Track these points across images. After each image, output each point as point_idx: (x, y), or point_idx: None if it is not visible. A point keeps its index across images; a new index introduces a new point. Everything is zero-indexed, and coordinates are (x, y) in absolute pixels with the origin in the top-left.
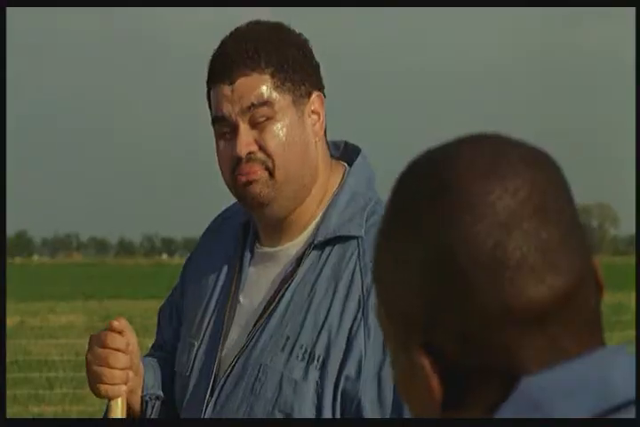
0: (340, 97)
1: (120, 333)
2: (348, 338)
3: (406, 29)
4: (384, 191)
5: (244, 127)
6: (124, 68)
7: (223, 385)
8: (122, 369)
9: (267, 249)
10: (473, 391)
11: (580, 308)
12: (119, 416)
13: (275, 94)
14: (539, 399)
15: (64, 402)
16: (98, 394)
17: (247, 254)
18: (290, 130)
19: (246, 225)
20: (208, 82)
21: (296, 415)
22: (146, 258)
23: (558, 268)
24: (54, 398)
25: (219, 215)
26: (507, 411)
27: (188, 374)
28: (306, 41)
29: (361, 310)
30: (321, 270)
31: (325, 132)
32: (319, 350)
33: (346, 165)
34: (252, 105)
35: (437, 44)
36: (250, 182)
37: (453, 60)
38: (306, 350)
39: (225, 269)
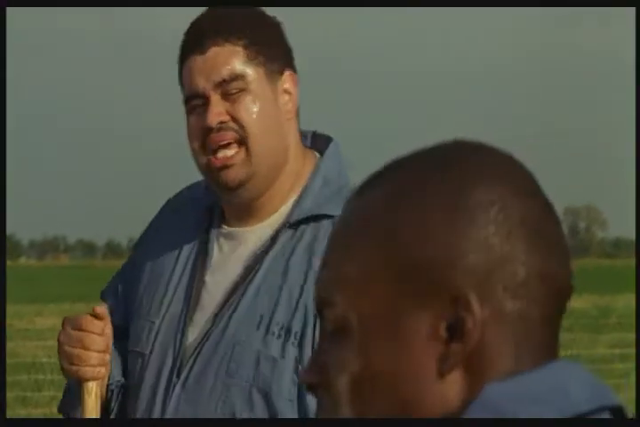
0: (339, 97)
1: (100, 319)
2: None
3: (406, 29)
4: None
5: (215, 98)
6: (125, 68)
7: (192, 366)
8: (98, 351)
9: (234, 229)
10: (486, 360)
11: (559, 313)
12: (90, 401)
13: (247, 67)
14: (500, 406)
15: (51, 405)
16: (70, 375)
17: (213, 235)
18: (263, 103)
19: (211, 208)
20: (180, 58)
21: (274, 394)
22: None
23: (555, 267)
24: (42, 401)
25: (180, 194)
26: (470, 415)
27: (148, 352)
28: (281, 24)
29: None
30: (294, 249)
31: (298, 114)
32: (296, 327)
33: (317, 153)
34: (224, 80)
35: (437, 44)
36: (226, 166)
37: (453, 60)
38: (282, 327)
39: (187, 248)
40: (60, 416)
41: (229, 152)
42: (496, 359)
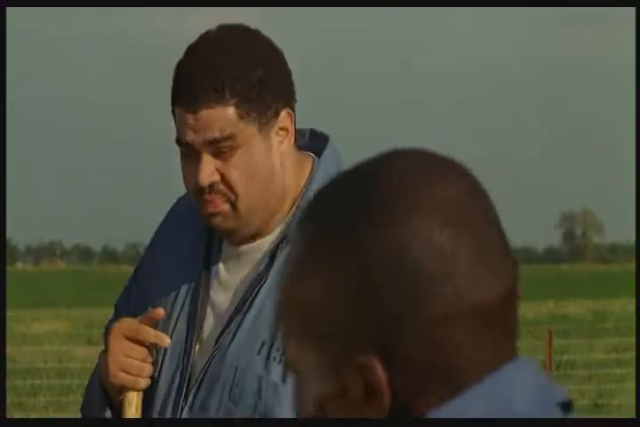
0: (340, 97)
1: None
2: None
3: (406, 29)
4: None
5: (206, 157)
6: (125, 68)
7: (197, 390)
8: (150, 363)
9: (236, 247)
10: (409, 400)
11: (512, 313)
12: (135, 409)
13: (239, 125)
14: None
15: (48, 410)
16: (122, 383)
17: (215, 251)
18: (254, 160)
19: None
20: (172, 101)
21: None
22: (130, 265)
23: (502, 270)
24: (37, 406)
25: (183, 198)
26: None
27: (156, 375)
28: (275, 49)
29: None
30: None
31: (295, 127)
32: None
33: (313, 156)
34: (215, 139)
35: (437, 44)
36: (213, 214)
37: (453, 59)
38: (283, 353)
39: (191, 265)
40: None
41: (218, 204)
42: (422, 395)
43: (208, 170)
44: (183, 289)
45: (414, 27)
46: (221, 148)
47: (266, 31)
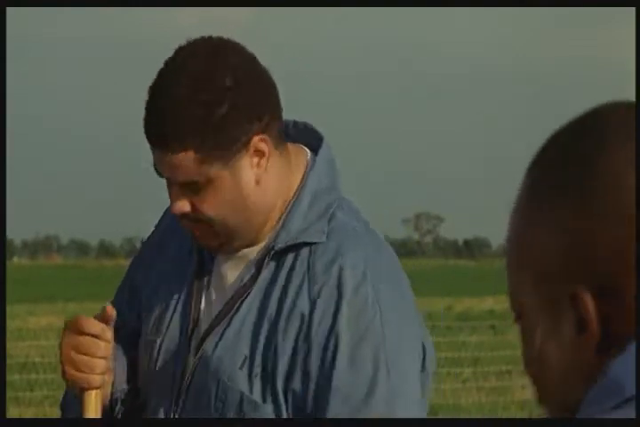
0: (339, 97)
1: (105, 320)
2: (292, 356)
3: (406, 29)
4: (394, 188)
5: (176, 190)
6: (123, 69)
7: (185, 401)
8: (101, 358)
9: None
10: (612, 339)
11: None
12: (94, 409)
13: (201, 170)
14: (624, 384)
15: (44, 404)
16: (76, 382)
17: (208, 255)
18: (221, 194)
19: None
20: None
21: None
22: (126, 260)
23: None
24: (34, 400)
25: None
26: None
27: (150, 372)
28: (249, 61)
29: (305, 325)
30: (276, 280)
31: (277, 148)
32: (270, 368)
33: (307, 150)
34: (182, 182)
35: (436, 43)
36: (198, 236)
37: (453, 60)
38: (262, 368)
39: (184, 264)
40: (57, 415)
41: (197, 228)
42: (622, 330)
43: (179, 201)
44: (177, 289)
45: (412, 27)
46: (190, 186)
47: (262, 31)
